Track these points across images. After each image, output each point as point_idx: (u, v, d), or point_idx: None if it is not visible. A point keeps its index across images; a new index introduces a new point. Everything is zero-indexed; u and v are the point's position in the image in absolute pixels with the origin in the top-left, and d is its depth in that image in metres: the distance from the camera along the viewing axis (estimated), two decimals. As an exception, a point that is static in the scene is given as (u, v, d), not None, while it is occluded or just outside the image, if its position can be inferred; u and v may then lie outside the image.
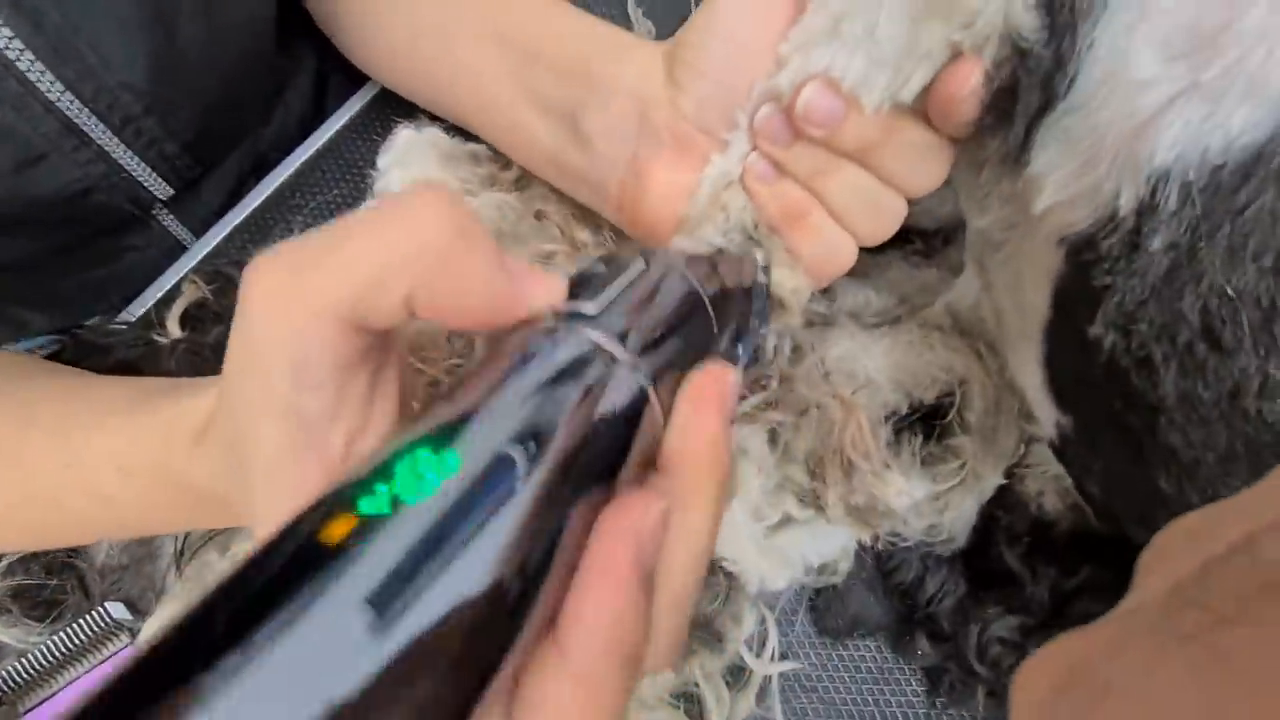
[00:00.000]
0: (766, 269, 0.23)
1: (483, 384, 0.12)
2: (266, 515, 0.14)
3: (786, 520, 0.33)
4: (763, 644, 0.34)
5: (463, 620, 0.09)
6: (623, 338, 0.13)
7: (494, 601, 0.10)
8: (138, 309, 0.34)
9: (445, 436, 0.11)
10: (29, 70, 0.27)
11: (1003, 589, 0.33)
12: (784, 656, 0.34)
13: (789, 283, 0.23)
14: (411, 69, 0.33)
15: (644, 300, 0.15)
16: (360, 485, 0.10)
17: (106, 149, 0.31)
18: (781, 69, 0.21)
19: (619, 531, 0.12)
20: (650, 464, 0.14)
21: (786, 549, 0.33)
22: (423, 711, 0.09)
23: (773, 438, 0.32)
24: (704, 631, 0.33)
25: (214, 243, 0.36)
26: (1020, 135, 0.18)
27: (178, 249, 0.38)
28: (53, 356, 0.30)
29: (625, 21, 0.41)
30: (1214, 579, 0.10)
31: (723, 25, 0.22)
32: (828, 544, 0.34)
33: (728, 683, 0.32)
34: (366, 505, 0.10)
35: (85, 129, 0.30)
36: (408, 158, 0.32)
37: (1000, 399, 0.30)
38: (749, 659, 0.33)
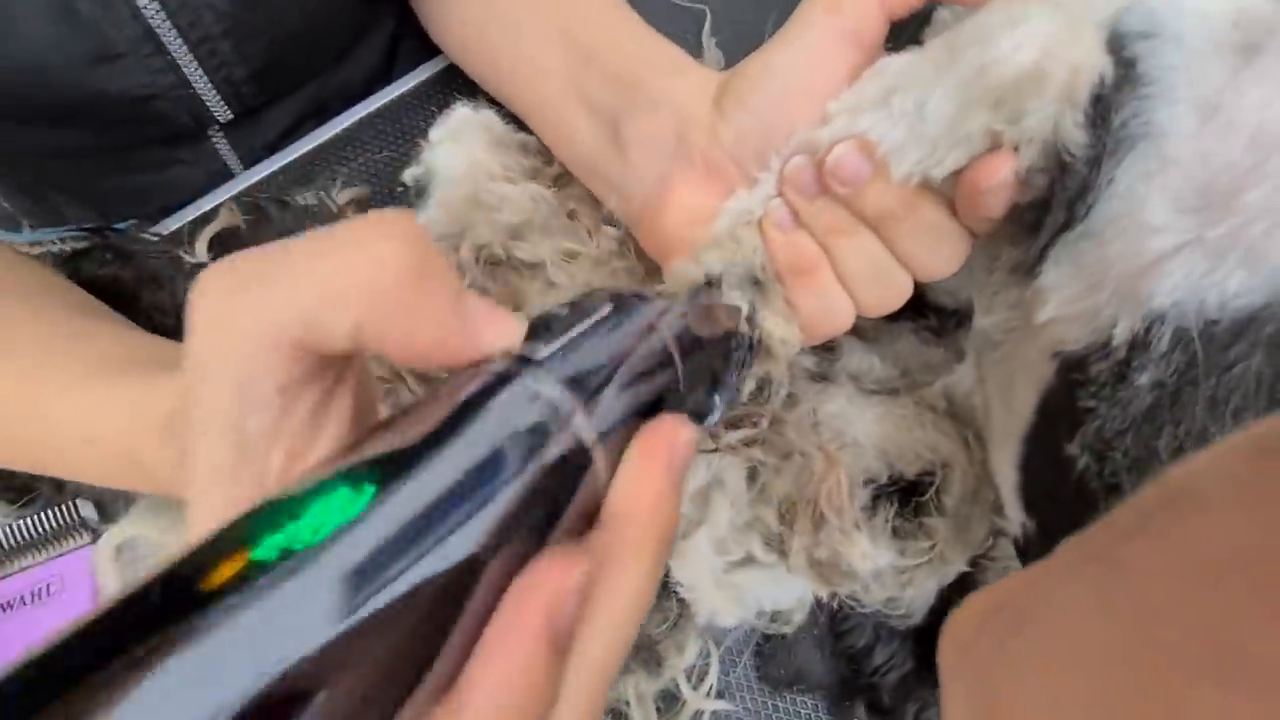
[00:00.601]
0: (750, 319, 0.23)
1: (416, 426, 0.11)
2: (197, 531, 0.14)
3: (749, 560, 0.33)
4: (702, 678, 0.34)
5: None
6: (574, 386, 0.13)
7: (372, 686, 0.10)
8: (173, 223, 0.36)
9: (365, 476, 0.11)
10: None
11: (946, 674, 0.34)
12: (721, 695, 0.34)
13: (779, 332, 0.24)
14: (479, 51, 0.34)
15: (604, 347, 0.14)
16: (260, 520, 0.10)
17: (179, 62, 0.32)
18: (825, 124, 0.22)
19: (532, 592, 0.11)
20: (590, 521, 0.13)
21: (743, 588, 0.34)
22: None
23: (752, 475, 0.32)
24: (645, 653, 0.33)
25: (259, 175, 0.37)
26: (1040, 248, 0.19)
27: (224, 173, 0.39)
28: (79, 253, 0.31)
29: (698, 47, 0.42)
30: (1125, 504, 0.11)
31: (781, 67, 0.23)
32: (785, 592, 0.34)
33: (659, 708, 0.33)
34: (260, 549, 0.10)
35: (164, 39, 0.31)
36: (460, 135, 0.33)
37: (979, 489, 0.31)
38: (685, 689, 0.33)
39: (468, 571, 0.11)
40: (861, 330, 0.35)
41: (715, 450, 0.31)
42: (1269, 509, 0.09)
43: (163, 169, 0.37)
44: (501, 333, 0.14)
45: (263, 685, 0.09)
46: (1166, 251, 0.16)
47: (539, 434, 0.12)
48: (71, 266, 0.31)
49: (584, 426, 0.13)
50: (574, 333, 0.14)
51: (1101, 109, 0.17)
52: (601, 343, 0.14)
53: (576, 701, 0.12)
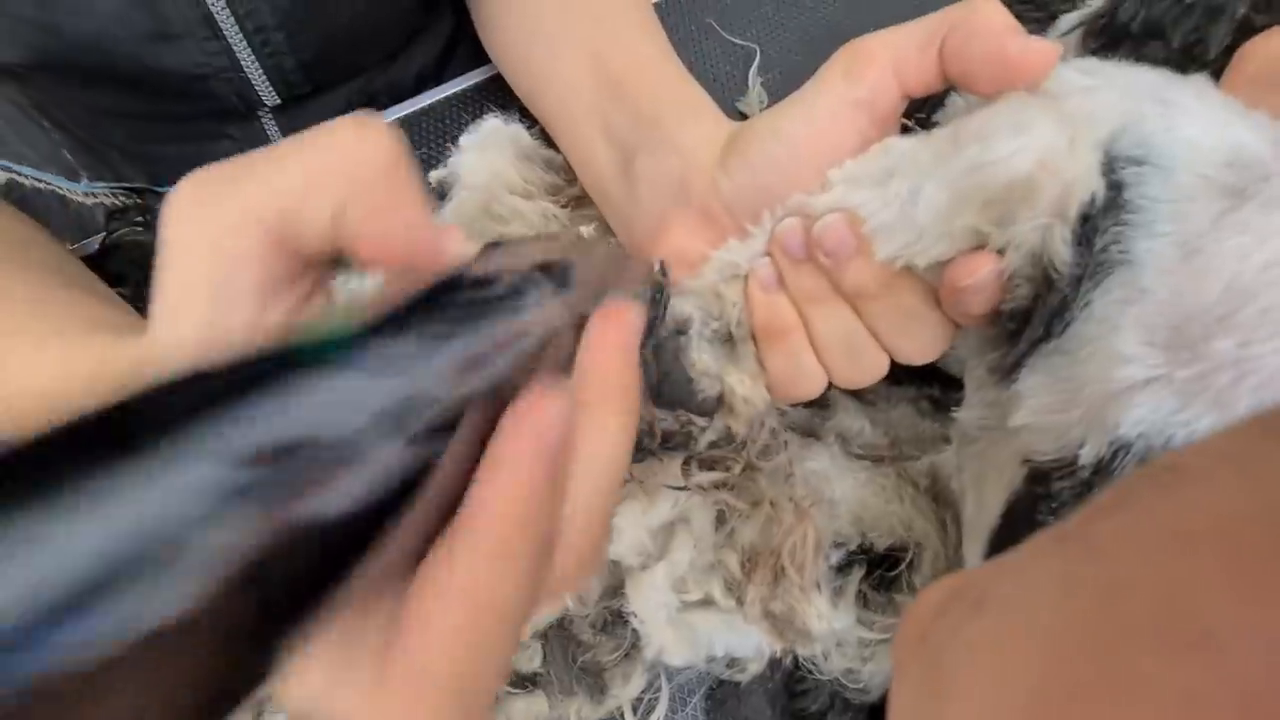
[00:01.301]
0: (664, 271, 0.23)
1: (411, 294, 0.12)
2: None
3: (707, 602, 0.33)
4: (649, 712, 0.33)
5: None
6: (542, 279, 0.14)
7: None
8: (213, 193, 0.37)
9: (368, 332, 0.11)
10: None
11: (895, 755, 0.32)
12: (663, 732, 0.33)
13: (742, 390, 0.24)
14: (519, 66, 0.34)
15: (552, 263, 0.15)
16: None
17: (234, 47, 0.33)
18: (822, 191, 0.21)
19: (521, 426, 0.12)
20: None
21: (697, 629, 0.33)
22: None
23: (721, 519, 0.32)
24: (591, 678, 0.33)
25: (300, 158, 0.38)
26: (1020, 354, 0.18)
27: (270, 152, 0.40)
28: (120, 210, 0.33)
29: (746, 83, 0.42)
30: (1108, 486, 0.10)
31: (788, 130, 0.22)
32: (742, 640, 0.33)
33: (600, 736, 0.32)
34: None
35: (221, 24, 0.32)
36: (487, 144, 0.33)
37: (951, 573, 0.29)
38: None
39: (458, 409, 0.11)
40: (859, 392, 0.33)
41: (684, 489, 0.30)
42: (1257, 480, 0.08)
43: (213, 142, 0.39)
44: (464, 251, 0.14)
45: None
46: (1135, 383, 0.15)
47: (524, 305, 0.13)
48: (109, 226, 0.32)
49: (557, 298, 0.14)
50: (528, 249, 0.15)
51: (1089, 229, 0.16)
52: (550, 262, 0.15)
53: (575, 547, 0.13)
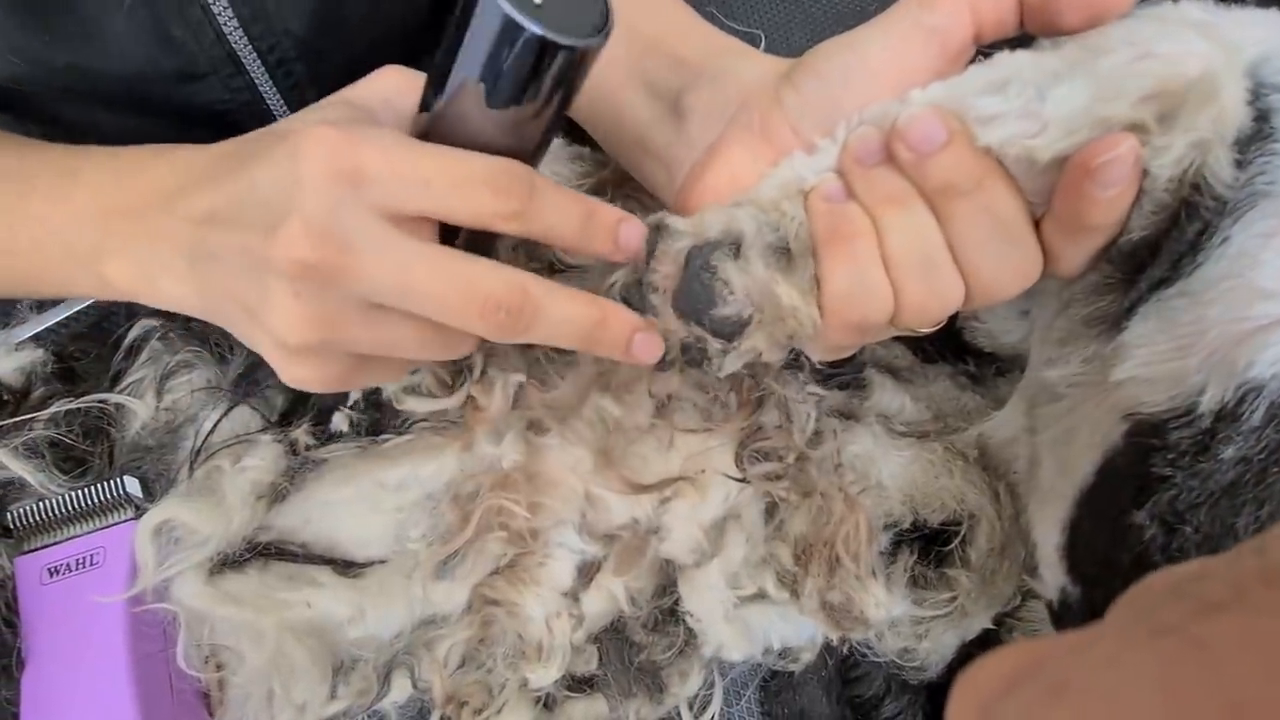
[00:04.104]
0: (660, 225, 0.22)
1: None
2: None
3: (760, 596, 0.31)
4: (704, 709, 0.32)
5: None
6: None
7: None
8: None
9: None
10: (214, 3, 0.30)
11: (958, 733, 0.31)
12: (720, 727, 0.32)
13: (789, 301, 0.19)
14: None
15: None
16: None
17: (257, 82, 0.33)
18: (904, 104, 0.19)
19: None
20: None
21: (752, 624, 0.31)
22: None
23: (770, 511, 0.30)
24: (649, 678, 0.31)
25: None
26: (1135, 299, 0.16)
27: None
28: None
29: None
30: (1212, 572, 0.09)
31: (862, 45, 0.20)
32: (796, 630, 0.32)
33: (660, 736, 0.31)
34: None
35: (245, 61, 0.32)
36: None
37: (1008, 545, 0.28)
38: (686, 719, 0.31)
39: None
40: (896, 369, 0.32)
41: (743, 480, 0.29)
42: None
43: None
44: None
45: None
46: (1275, 319, 0.13)
47: None
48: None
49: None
50: None
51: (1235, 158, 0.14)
52: None
53: None
